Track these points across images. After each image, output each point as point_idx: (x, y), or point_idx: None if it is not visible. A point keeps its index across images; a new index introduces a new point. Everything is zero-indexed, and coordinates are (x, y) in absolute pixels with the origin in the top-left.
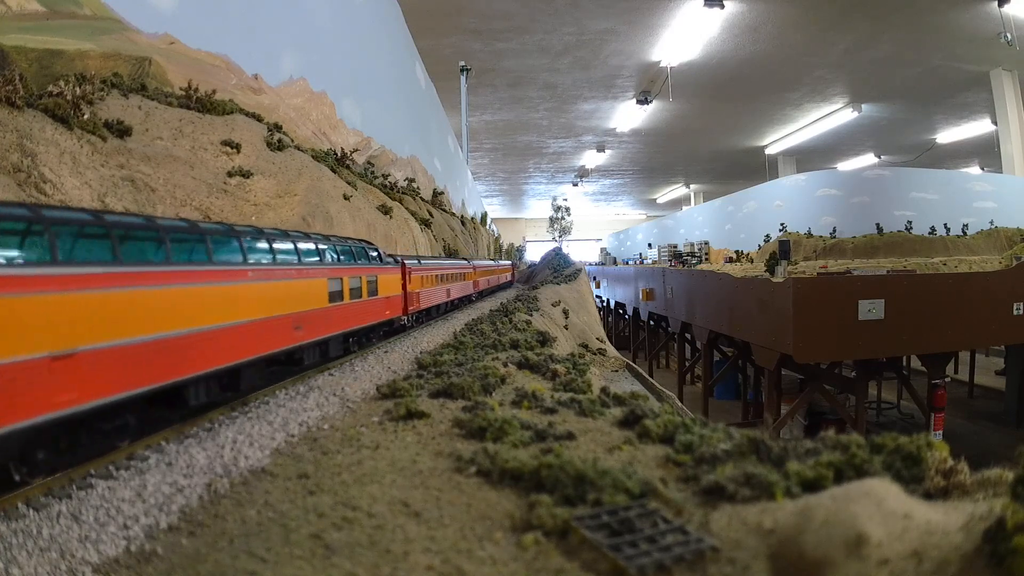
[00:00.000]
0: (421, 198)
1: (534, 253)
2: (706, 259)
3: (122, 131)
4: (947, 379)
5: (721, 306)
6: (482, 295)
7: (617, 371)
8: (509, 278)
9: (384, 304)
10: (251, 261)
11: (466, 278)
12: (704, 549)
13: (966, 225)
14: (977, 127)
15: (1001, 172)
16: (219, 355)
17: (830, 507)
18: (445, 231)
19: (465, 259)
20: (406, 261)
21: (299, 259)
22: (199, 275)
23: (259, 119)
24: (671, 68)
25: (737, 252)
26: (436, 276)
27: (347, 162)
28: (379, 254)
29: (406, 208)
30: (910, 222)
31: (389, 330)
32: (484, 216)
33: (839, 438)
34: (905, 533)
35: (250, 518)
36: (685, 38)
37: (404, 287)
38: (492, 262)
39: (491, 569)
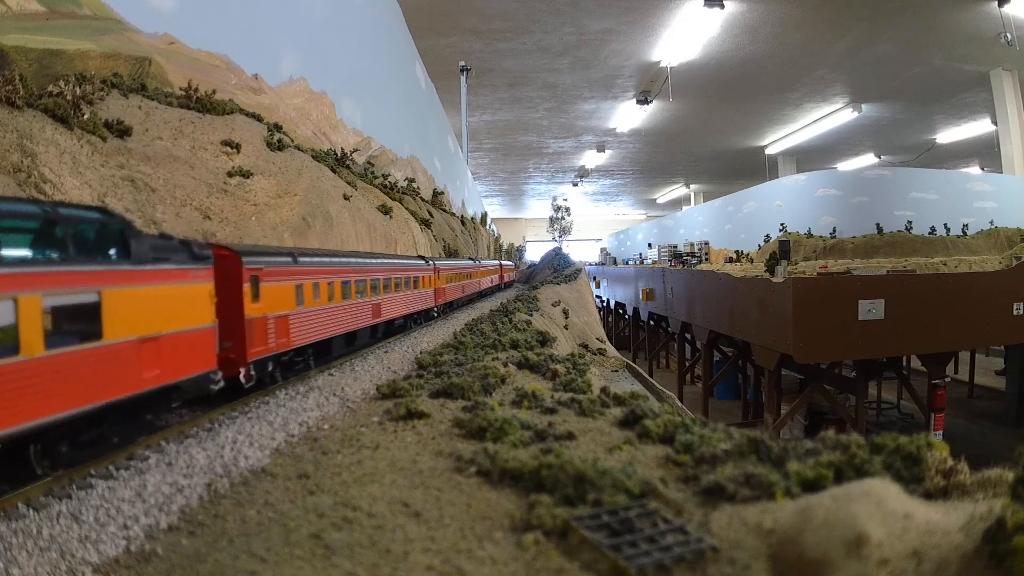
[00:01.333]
0: (421, 198)
1: (534, 253)
2: (706, 259)
3: (122, 131)
4: (947, 379)
5: (721, 306)
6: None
7: (617, 371)
8: (497, 280)
9: None
10: None
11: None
12: (704, 549)
13: (966, 225)
14: (977, 127)
15: (1001, 172)
16: None
17: (830, 507)
18: (445, 231)
19: (418, 258)
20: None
21: None
22: None
23: (259, 119)
24: (671, 68)
25: (737, 252)
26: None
27: (347, 162)
28: None
29: (406, 208)
30: (910, 222)
31: None
32: (484, 216)
33: (839, 438)
34: (905, 533)
35: (250, 518)
36: (685, 38)
37: None
38: (470, 261)
39: (491, 569)
